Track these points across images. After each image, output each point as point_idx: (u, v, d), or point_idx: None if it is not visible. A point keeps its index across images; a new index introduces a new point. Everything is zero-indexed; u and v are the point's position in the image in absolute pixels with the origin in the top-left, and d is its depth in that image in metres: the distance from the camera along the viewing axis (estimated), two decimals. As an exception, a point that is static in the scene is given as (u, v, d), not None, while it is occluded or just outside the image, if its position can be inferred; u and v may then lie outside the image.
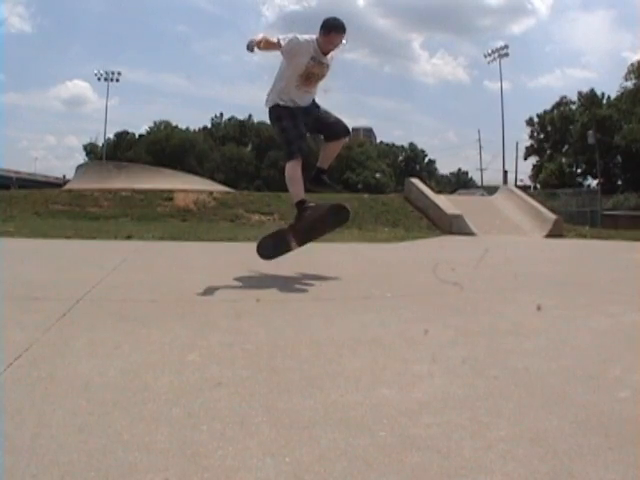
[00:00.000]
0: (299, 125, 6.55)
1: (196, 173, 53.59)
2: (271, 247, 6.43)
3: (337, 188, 6.65)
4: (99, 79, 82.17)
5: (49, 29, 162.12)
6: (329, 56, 6.61)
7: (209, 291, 5.29)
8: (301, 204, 6.31)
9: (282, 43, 6.17)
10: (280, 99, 6.54)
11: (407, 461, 1.89)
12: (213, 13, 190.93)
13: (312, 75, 6.50)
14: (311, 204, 6.36)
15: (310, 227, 6.39)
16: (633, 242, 15.41)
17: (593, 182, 67.28)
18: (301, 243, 6.45)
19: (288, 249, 6.43)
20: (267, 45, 6.13)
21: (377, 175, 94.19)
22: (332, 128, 6.87)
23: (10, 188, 39.29)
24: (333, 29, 6.50)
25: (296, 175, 6.37)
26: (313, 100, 6.80)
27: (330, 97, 6.56)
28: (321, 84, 6.75)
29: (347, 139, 7.11)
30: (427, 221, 19.45)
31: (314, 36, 6.42)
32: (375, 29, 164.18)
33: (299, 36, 6.30)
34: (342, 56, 6.67)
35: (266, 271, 6.53)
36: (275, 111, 6.59)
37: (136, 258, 8.27)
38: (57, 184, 54.43)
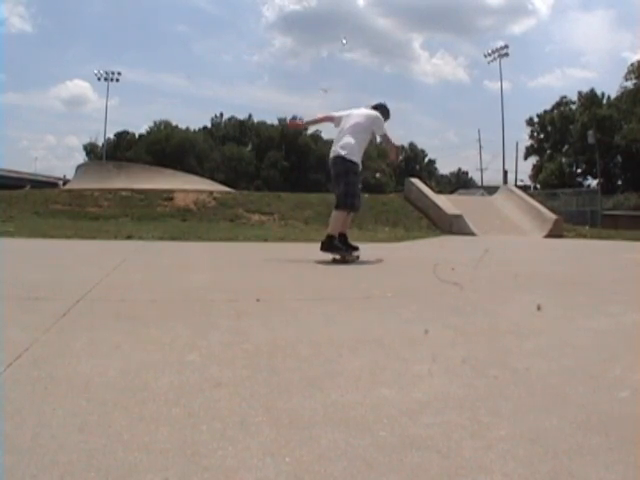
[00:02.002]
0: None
1: (196, 173, 53.66)
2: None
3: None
4: (99, 79, 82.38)
5: (50, 29, 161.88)
6: None
7: (209, 291, 5.29)
8: (334, 238, 7.92)
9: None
10: (360, 159, 8.25)
11: (407, 461, 1.89)
12: (213, 13, 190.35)
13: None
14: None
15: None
16: (633, 242, 15.44)
17: (593, 182, 67.39)
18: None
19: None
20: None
21: (377, 175, 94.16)
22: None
23: (25, 187, 39.27)
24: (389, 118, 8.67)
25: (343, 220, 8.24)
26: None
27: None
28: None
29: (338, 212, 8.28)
30: (427, 221, 19.49)
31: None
32: (375, 29, 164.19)
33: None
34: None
35: (266, 271, 6.54)
36: (356, 167, 8.18)
37: (136, 258, 8.28)
38: (58, 184, 54.30)
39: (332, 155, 8.25)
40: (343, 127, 8.27)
